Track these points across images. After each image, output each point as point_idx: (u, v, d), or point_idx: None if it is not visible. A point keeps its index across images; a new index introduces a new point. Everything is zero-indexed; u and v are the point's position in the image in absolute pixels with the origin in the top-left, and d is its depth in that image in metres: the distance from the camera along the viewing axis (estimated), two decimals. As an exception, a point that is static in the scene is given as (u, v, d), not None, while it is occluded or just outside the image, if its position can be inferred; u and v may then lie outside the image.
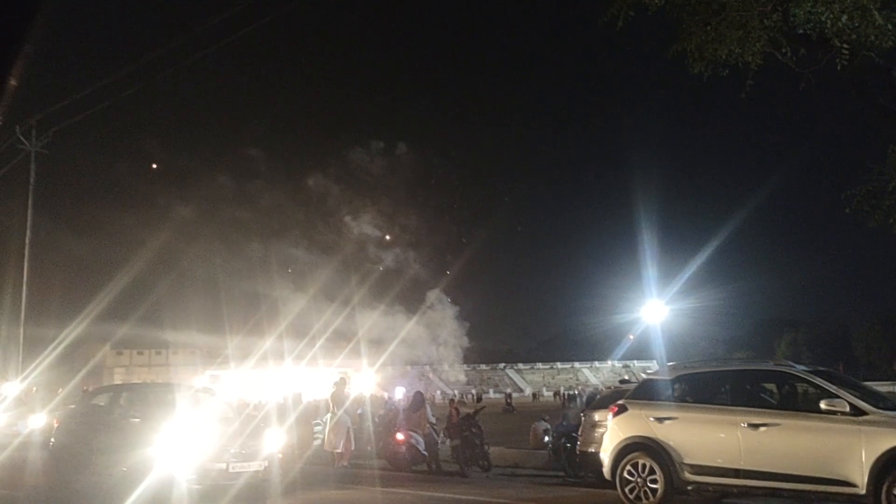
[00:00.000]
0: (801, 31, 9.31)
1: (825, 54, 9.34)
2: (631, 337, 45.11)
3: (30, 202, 29.29)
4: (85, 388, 33.80)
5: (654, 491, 9.87)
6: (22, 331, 28.85)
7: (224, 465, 11.09)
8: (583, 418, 15.20)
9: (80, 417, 13.93)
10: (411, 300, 43.02)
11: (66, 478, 12.81)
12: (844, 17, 8.70)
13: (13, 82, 1.86)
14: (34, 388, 36.82)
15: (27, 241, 29.05)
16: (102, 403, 13.97)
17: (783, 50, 9.58)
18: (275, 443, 12.26)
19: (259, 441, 11.86)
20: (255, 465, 11.45)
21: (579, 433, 15.00)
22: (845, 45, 8.84)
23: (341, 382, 18.14)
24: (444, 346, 42.30)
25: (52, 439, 14.20)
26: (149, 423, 11.88)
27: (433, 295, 42.55)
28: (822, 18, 8.85)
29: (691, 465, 9.71)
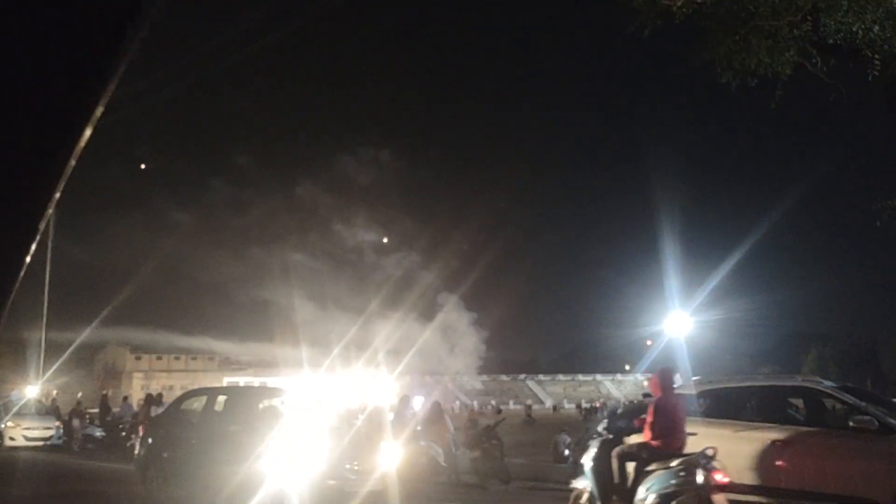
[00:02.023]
0: (831, 42, 9.17)
1: (856, 65, 9.19)
2: (649, 343, 44.70)
3: (52, 205, 29.54)
4: (104, 392, 34.00)
5: (676, 507, 9.70)
6: (43, 335, 29.10)
7: (339, 483, 10.13)
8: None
9: (171, 425, 12.62)
10: (428, 309, 42.97)
11: (156, 492, 11.62)
12: (876, 28, 8.56)
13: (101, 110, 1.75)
14: (54, 392, 37.15)
15: (49, 246, 29.33)
16: (196, 409, 12.78)
17: (813, 60, 9.44)
18: (392, 458, 11.22)
19: (375, 455, 10.92)
20: (371, 484, 10.37)
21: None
22: (877, 56, 8.69)
23: (404, 400, 17.11)
24: (462, 355, 42.15)
25: (138, 449, 13.09)
26: (253, 433, 10.61)
27: (450, 303, 42.43)
28: (854, 29, 8.71)
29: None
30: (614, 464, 8.49)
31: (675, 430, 8.56)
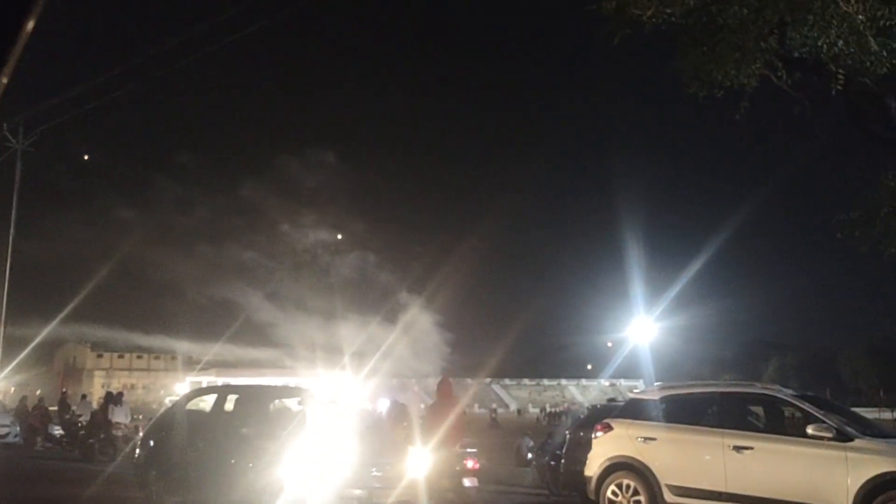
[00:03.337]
0: (797, 55, 9.32)
1: (820, 79, 9.35)
2: (610, 345, 45.04)
3: (14, 201, 29.06)
4: (63, 389, 33.43)
5: (637, 512, 9.77)
6: (2, 330, 28.54)
7: (365, 493, 9.41)
8: (568, 436, 15.09)
9: (176, 427, 11.37)
10: (393, 312, 42.84)
11: (158, 500, 10.62)
12: (840, 43, 8.71)
13: (4, 80, 1.78)
14: (11, 389, 36.45)
15: (10, 239, 28.81)
16: (205, 409, 11.58)
17: (779, 73, 9.58)
18: (421, 465, 10.06)
19: (403, 462, 9.97)
20: (400, 493, 9.49)
21: (564, 451, 14.89)
22: (840, 71, 8.84)
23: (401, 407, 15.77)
24: (426, 358, 42.13)
25: (137, 451, 11.97)
26: (270, 436, 9.76)
27: (414, 307, 42.33)
28: (819, 43, 8.86)
29: (675, 487, 9.62)
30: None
31: (444, 428, 10.24)
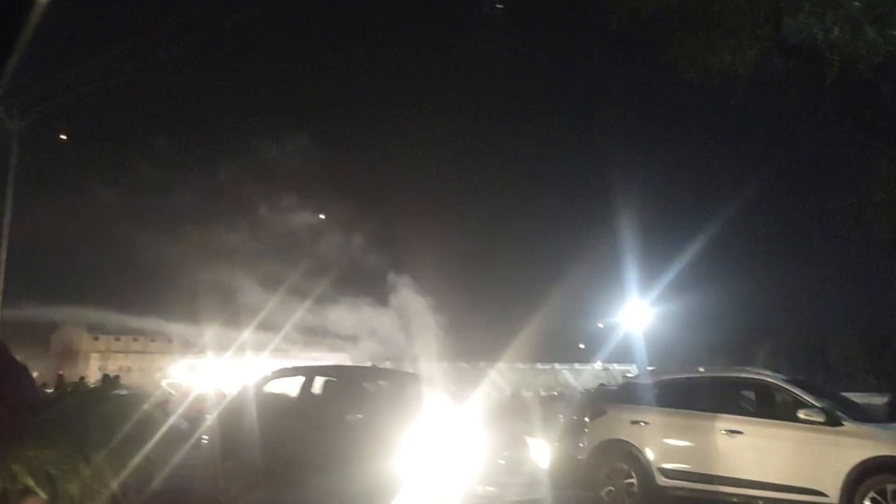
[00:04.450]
0: (792, 43, 9.35)
1: (815, 67, 9.38)
2: (601, 325, 45.11)
3: (10, 182, 28.95)
4: (60, 372, 33.49)
5: (631, 495, 9.89)
6: (-1, 312, 28.53)
7: (497, 490, 8.15)
8: (562, 420, 15.20)
9: (254, 413, 9.87)
10: (386, 295, 42.86)
11: (238, 495, 9.41)
12: (836, 30, 8.74)
13: (12, 65, 1.81)
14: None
15: (6, 222, 28.73)
16: (288, 393, 10.40)
17: (774, 60, 9.61)
18: (544, 459, 9.21)
19: (528, 456, 8.97)
20: (534, 491, 8.51)
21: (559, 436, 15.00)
22: (835, 59, 8.87)
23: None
24: (420, 341, 42.21)
25: (206, 438, 10.99)
26: (381, 424, 8.60)
27: (407, 290, 42.34)
28: (814, 31, 8.89)
29: (667, 470, 9.74)
30: None
31: None
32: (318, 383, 9.99)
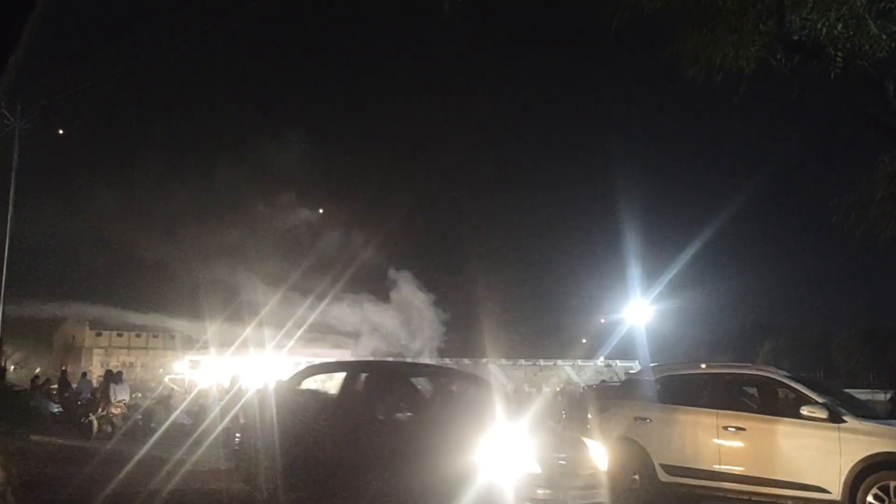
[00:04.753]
0: (795, 38, 9.30)
1: (819, 62, 9.34)
2: (603, 321, 45.11)
3: (13, 180, 28.99)
4: (63, 368, 33.54)
5: (633, 491, 9.89)
6: (1, 309, 28.58)
7: (556, 493, 7.47)
8: (563, 416, 15.23)
9: (291, 410, 9.43)
10: (387, 292, 42.89)
11: (274, 496, 8.87)
12: (839, 26, 8.70)
13: (15, 64, 1.82)
14: (11, 367, 36.56)
15: (9, 219, 28.77)
16: (327, 389, 10.05)
17: (777, 56, 9.57)
18: (602, 461, 8.53)
19: (587, 457, 8.28)
20: (594, 495, 7.89)
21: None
22: (839, 54, 8.83)
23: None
24: (422, 337, 42.20)
25: (237, 438, 10.59)
26: (434, 423, 8.12)
27: (410, 286, 42.39)
28: (818, 26, 8.85)
29: (669, 466, 9.74)
30: None
31: None
32: (361, 379, 9.49)
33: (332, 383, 10.31)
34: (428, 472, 7.39)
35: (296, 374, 10.72)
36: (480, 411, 8.34)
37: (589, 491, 7.87)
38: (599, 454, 8.53)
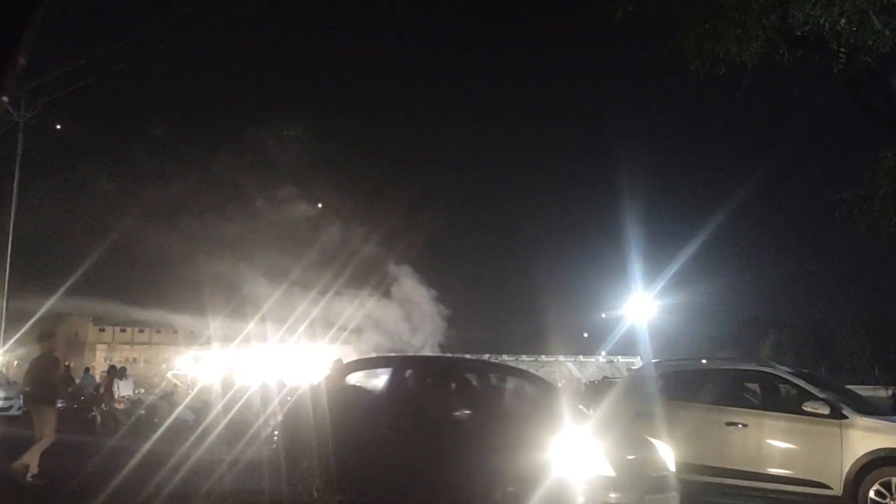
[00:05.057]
0: (798, 33, 9.28)
1: (822, 57, 9.32)
2: (604, 315, 45.10)
3: (16, 174, 29.04)
4: (67, 363, 33.58)
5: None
6: (5, 303, 28.63)
7: (625, 496, 6.89)
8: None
9: (335, 407, 8.88)
10: (389, 287, 42.91)
11: (321, 498, 8.41)
12: (843, 21, 8.68)
13: (22, 60, 1.82)
14: (15, 362, 36.61)
15: (12, 212, 28.83)
16: (374, 386, 9.71)
17: (780, 51, 9.55)
18: (671, 461, 8.01)
19: (657, 458, 7.80)
20: (666, 500, 7.37)
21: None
22: (842, 49, 8.81)
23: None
24: (424, 333, 42.24)
25: (276, 436, 10.29)
26: (498, 423, 7.63)
27: (411, 281, 42.43)
28: (821, 21, 8.82)
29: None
30: None
31: None
32: (411, 376, 9.02)
33: (373, 380, 10.07)
34: (493, 475, 6.97)
35: (338, 370, 10.26)
36: (545, 409, 8.01)
37: (661, 495, 7.35)
38: (668, 454, 8.03)
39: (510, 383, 9.42)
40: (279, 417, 10.99)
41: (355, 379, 10.11)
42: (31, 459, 10.19)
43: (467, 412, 7.95)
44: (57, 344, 11.67)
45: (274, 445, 10.35)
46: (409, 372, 9.12)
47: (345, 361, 14.38)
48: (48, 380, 10.84)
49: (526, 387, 9.39)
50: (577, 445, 6.99)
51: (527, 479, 6.69)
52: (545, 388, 9.32)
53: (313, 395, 9.48)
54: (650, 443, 8.09)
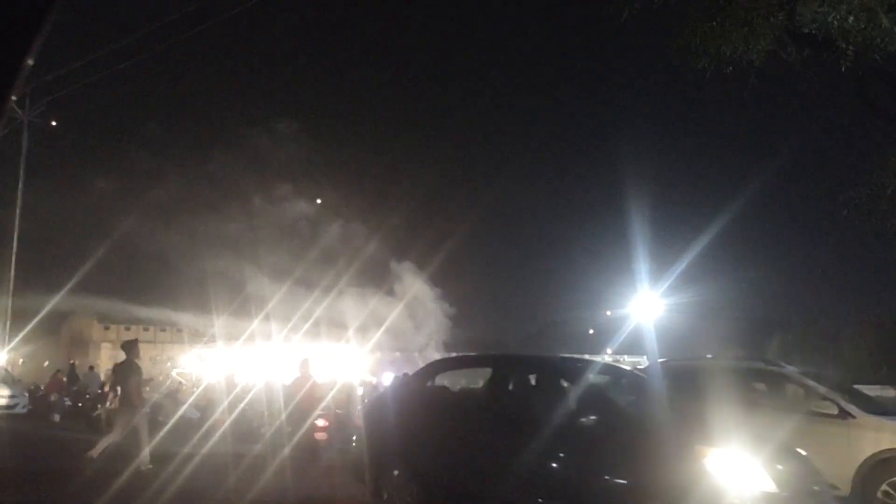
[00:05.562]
0: (806, 31, 9.24)
1: (830, 56, 9.28)
2: (608, 313, 45.03)
3: (21, 172, 29.08)
4: (72, 361, 33.65)
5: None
6: (10, 302, 28.69)
7: None
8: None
9: (424, 409, 8.31)
10: (394, 286, 42.88)
11: None
12: (851, 19, 8.63)
13: (30, 61, 1.83)
14: (20, 360, 36.72)
15: (17, 210, 28.87)
16: (468, 386, 8.38)
17: (788, 49, 9.51)
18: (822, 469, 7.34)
19: (817, 473, 7.12)
20: None
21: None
22: (850, 47, 8.77)
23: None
24: (428, 332, 42.21)
25: (355, 440, 9.81)
26: (630, 430, 6.64)
27: (416, 281, 42.40)
28: (829, 19, 8.78)
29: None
30: None
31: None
32: (520, 377, 8.30)
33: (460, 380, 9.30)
34: (643, 492, 6.19)
35: (425, 369, 9.49)
36: (687, 418, 7.20)
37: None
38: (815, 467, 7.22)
39: (627, 383, 8.76)
40: (357, 421, 10.42)
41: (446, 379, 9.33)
42: (98, 451, 11.59)
43: (594, 417, 7.02)
44: (138, 352, 12.98)
45: (353, 445, 9.87)
46: (514, 372, 8.34)
47: (309, 362, 14.99)
48: (125, 384, 12.55)
49: (646, 386, 8.69)
50: (731, 455, 6.11)
51: (683, 498, 5.86)
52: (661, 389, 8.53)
53: (398, 398, 8.89)
54: (798, 452, 7.24)
